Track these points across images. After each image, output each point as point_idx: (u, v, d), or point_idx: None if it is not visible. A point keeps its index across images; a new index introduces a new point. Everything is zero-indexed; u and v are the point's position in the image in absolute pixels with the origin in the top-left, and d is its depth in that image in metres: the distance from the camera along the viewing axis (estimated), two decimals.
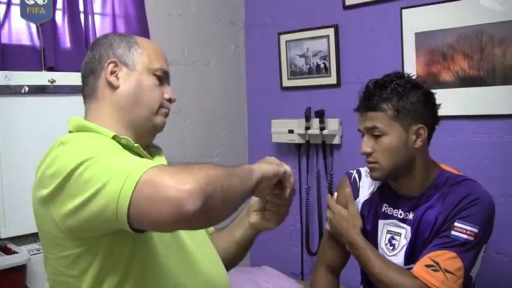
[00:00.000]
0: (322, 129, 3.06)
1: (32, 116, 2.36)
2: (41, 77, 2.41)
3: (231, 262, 1.63)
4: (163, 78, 1.48)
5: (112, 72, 1.41)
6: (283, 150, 3.39)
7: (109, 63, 1.41)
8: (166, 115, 1.49)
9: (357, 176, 2.03)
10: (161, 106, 1.46)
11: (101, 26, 2.79)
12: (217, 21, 3.45)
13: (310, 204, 3.22)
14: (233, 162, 3.48)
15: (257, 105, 3.58)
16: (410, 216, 1.83)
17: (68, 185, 1.14)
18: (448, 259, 1.66)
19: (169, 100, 1.49)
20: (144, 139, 1.48)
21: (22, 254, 2.25)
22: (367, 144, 1.80)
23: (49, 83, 2.40)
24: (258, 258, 3.45)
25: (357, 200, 1.98)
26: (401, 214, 1.86)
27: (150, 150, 1.52)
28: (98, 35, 2.70)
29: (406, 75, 1.84)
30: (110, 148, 1.24)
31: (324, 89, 3.15)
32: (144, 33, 2.82)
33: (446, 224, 1.73)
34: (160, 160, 1.51)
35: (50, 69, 2.51)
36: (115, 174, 1.07)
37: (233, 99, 3.57)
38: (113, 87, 1.41)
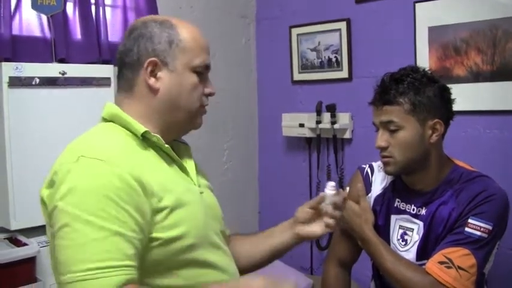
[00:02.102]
0: (333, 123, 3.04)
1: (43, 108, 2.36)
2: (52, 69, 2.40)
3: (257, 266, 1.65)
4: (204, 72, 1.42)
5: (151, 72, 1.35)
6: (294, 144, 3.37)
7: (149, 63, 1.34)
8: (205, 112, 1.45)
9: (369, 170, 2.01)
10: (201, 105, 1.42)
11: (111, 17, 2.79)
12: (228, 14, 3.44)
13: None
14: (243, 155, 3.50)
15: (268, 99, 3.56)
16: (423, 211, 1.81)
17: (51, 217, 1.21)
18: (461, 256, 1.65)
19: (210, 94, 1.44)
20: (177, 136, 1.48)
21: (32, 246, 2.25)
22: (382, 139, 1.78)
23: (60, 75, 2.40)
24: None
25: (369, 194, 1.97)
26: (413, 209, 1.84)
27: (180, 147, 1.50)
28: (108, 27, 2.70)
29: (421, 70, 1.82)
30: (101, 214, 1.16)
31: (335, 83, 3.13)
32: None
33: (460, 220, 1.71)
34: (189, 163, 1.47)
35: (61, 61, 2.51)
36: (75, 269, 1.11)
37: (243, 93, 3.56)
38: (152, 89, 1.36)
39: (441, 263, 1.66)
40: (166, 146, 1.36)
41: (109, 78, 2.53)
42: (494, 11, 2.44)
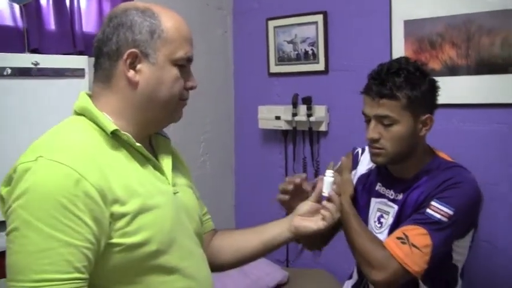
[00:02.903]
0: (309, 115, 3.05)
1: (15, 99, 2.32)
2: (24, 59, 2.35)
3: (247, 259, 1.63)
4: (186, 65, 1.36)
5: (130, 64, 1.28)
6: (270, 137, 3.37)
7: (128, 55, 1.27)
8: (184, 105, 1.40)
9: (360, 151, 2.07)
10: (181, 99, 1.36)
11: (86, 7, 2.75)
12: (205, 6, 3.42)
13: None
14: (219, 148, 3.49)
15: (244, 91, 3.56)
16: (400, 196, 1.85)
17: (6, 216, 1.17)
18: (417, 235, 1.68)
19: (191, 88, 1.38)
20: (156, 130, 1.44)
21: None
22: (375, 131, 1.78)
23: (33, 66, 2.36)
24: None
25: (354, 171, 2.01)
26: (392, 194, 1.88)
27: (159, 141, 1.46)
28: (83, 17, 2.66)
29: (414, 62, 1.83)
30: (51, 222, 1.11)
31: (311, 75, 3.13)
32: None
33: (425, 202, 1.75)
34: (166, 160, 1.42)
35: (34, 51, 2.47)
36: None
37: (220, 85, 3.55)
38: (131, 82, 1.28)
39: (398, 238, 1.70)
40: (138, 144, 1.29)
41: (83, 70, 2.49)
42: (469, 6, 2.46)
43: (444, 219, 1.69)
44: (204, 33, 3.41)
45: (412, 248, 1.66)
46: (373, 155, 1.84)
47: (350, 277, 2.10)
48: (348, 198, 1.84)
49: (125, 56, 1.27)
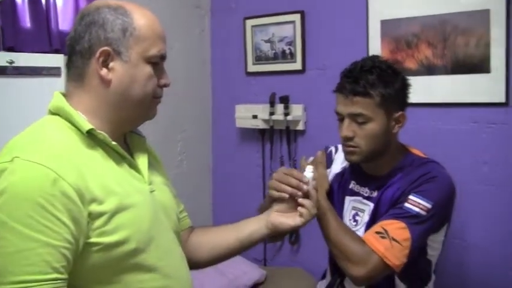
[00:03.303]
0: (286, 114, 3.06)
1: None
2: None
3: (223, 257, 1.62)
4: (159, 63, 1.35)
5: (103, 62, 1.27)
6: (247, 136, 3.38)
7: (101, 53, 1.26)
8: (158, 103, 1.39)
9: (333, 149, 2.07)
10: (154, 96, 1.35)
11: (62, 5, 2.73)
12: (183, 5, 3.40)
13: None
14: (197, 147, 3.48)
15: (221, 90, 3.55)
16: (375, 194, 1.86)
17: None
18: (397, 229, 1.69)
19: (165, 85, 1.37)
20: (131, 128, 1.42)
21: None
22: (349, 129, 1.78)
23: (8, 64, 2.33)
24: None
25: (329, 170, 2.01)
26: (366, 192, 1.89)
27: (134, 139, 1.44)
28: (59, 15, 2.64)
29: (385, 60, 1.85)
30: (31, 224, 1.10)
31: (288, 74, 3.14)
32: None
33: (402, 197, 1.76)
34: (142, 158, 1.41)
35: (9, 49, 2.44)
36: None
37: (197, 84, 3.54)
38: (104, 81, 1.28)
39: (377, 233, 1.70)
40: (114, 143, 1.29)
41: (59, 68, 2.47)
42: (445, 6, 2.50)
43: (423, 212, 1.71)
44: (182, 32, 3.40)
45: (392, 242, 1.67)
46: (347, 153, 1.84)
47: (323, 277, 2.11)
48: (324, 193, 1.85)
49: (97, 54, 1.27)
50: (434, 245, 1.83)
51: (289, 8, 3.09)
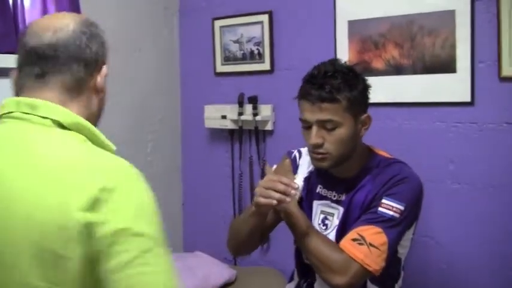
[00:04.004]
0: (255, 115, 3.07)
1: None
2: None
3: None
4: None
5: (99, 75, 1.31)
6: (216, 136, 3.38)
7: (102, 67, 1.31)
8: None
9: (297, 154, 2.04)
10: None
11: (30, 5, 2.69)
12: (151, 5, 3.39)
13: (243, 190, 3.22)
14: (166, 147, 3.47)
15: (190, 91, 3.54)
16: (343, 197, 1.86)
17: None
18: (373, 234, 1.70)
19: None
20: None
21: None
22: (318, 136, 1.76)
23: None
24: (191, 244, 3.45)
25: (295, 176, 1.99)
26: (334, 196, 1.89)
27: None
28: (26, 14, 2.60)
29: (345, 63, 1.85)
30: None
31: (257, 75, 3.15)
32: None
33: (374, 201, 1.77)
34: None
35: None
36: None
37: (166, 84, 3.52)
38: (98, 92, 1.30)
39: (354, 240, 1.71)
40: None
41: None
42: (412, 7, 2.53)
43: (396, 215, 1.72)
44: (151, 32, 3.38)
45: (370, 247, 1.68)
46: (318, 161, 1.81)
47: (290, 279, 2.10)
48: (295, 201, 1.82)
49: (102, 68, 1.31)
50: (404, 243, 1.86)
51: (258, 8, 3.10)
